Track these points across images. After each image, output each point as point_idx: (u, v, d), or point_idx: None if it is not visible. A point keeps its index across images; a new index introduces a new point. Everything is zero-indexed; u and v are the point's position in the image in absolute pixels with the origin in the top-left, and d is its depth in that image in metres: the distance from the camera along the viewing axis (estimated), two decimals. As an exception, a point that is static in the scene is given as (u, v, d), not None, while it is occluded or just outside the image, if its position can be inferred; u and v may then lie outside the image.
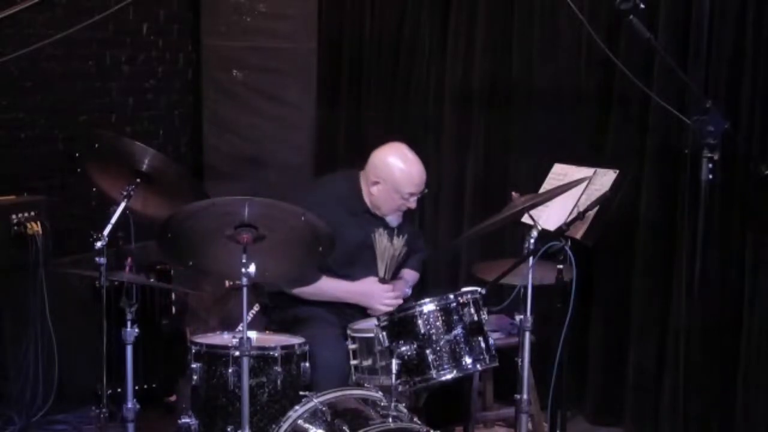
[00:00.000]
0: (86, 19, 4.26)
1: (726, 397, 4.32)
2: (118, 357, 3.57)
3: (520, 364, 3.54)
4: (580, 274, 3.66)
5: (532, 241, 3.54)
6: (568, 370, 3.90)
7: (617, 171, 4.08)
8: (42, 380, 4.55)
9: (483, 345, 3.60)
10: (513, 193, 3.85)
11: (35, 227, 4.48)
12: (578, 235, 4.00)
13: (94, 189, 3.89)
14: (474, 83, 5.15)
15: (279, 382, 3.56)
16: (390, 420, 3.24)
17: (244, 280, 3.22)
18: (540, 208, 3.90)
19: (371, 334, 3.61)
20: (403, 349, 3.50)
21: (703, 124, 3.27)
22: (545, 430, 4.27)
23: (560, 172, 4.27)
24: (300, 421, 3.39)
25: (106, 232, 3.57)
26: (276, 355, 3.58)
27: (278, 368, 3.56)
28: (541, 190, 4.15)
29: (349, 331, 3.75)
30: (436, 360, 3.52)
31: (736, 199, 4.24)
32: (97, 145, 3.83)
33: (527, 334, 3.51)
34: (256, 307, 4.25)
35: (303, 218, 3.30)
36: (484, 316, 3.64)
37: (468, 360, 3.56)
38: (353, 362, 3.70)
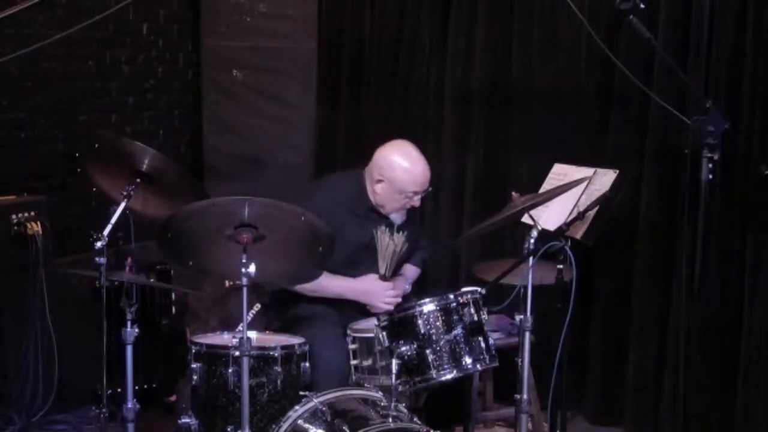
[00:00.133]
0: (86, 19, 4.27)
1: (726, 397, 4.32)
2: (118, 357, 3.57)
3: (520, 364, 3.54)
4: (580, 274, 3.67)
5: (532, 241, 3.55)
6: (568, 370, 3.90)
7: (617, 171, 4.08)
8: (42, 380, 4.55)
9: (483, 345, 3.60)
10: (513, 193, 3.85)
11: (35, 227, 4.48)
12: (578, 235, 4.00)
13: (94, 189, 3.89)
14: (474, 83, 5.15)
15: (279, 382, 3.57)
16: (390, 420, 3.24)
17: (244, 280, 3.22)
18: (540, 208, 3.90)
19: (371, 334, 3.62)
20: (403, 349, 3.50)
21: (703, 124, 3.27)
22: (545, 430, 4.27)
23: (560, 172, 4.27)
24: (300, 421, 3.39)
25: (106, 232, 3.57)
26: (276, 355, 3.58)
27: (278, 368, 3.56)
28: (541, 190, 4.15)
29: (349, 331, 3.75)
30: (436, 360, 3.52)
31: (736, 199, 4.24)
32: (97, 145, 3.83)
33: (527, 334, 3.52)
34: (256, 307, 4.25)
35: (303, 218, 3.30)
36: (484, 316, 3.64)
37: (468, 360, 3.56)
38: (353, 362, 3.70)
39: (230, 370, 3.52)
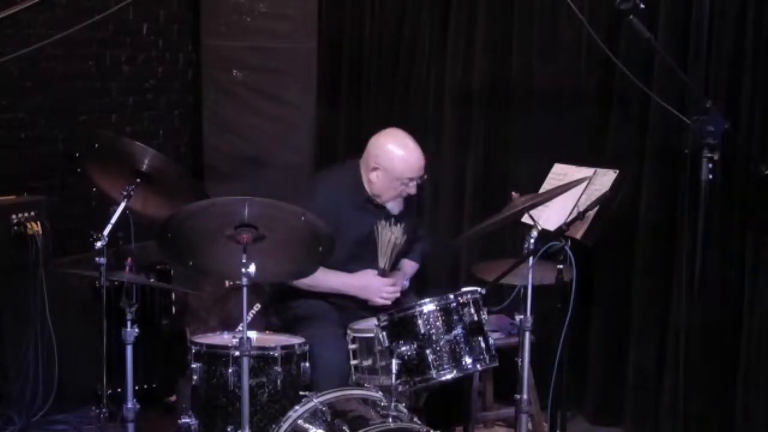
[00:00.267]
0: (86, 19, 4.27)
1: (726, 397, 4.32)
2: (118, 357, 3.57)
3: (520, 364, 3.54)
4: (580, 274, 3.66)
5: (532, 241, 3.55)
6: (568, 370, 3.90)
7: (617, 171, 4.08)
8: (42, 380, 4.55)
9: (483, 345, 3.60)
10: (513, 193, 3.85)
11: (35, 227, 4.48)
12: (578, 235, 4.00)
13: (94, 189, 3.89)
14: (474, 83, 5.15)
15: (279, 382, 3.57)
16: (390, 420, 3.24)
17: (244, 280, 3.22)
18: (540, 208, 3.90)
19: (371, 334, 3.61)
20: (403, 349, 3.50)
21: (703, 124, 3.27)
22: (545, 430, 4.27)
23: (560, 172, 4.27)
24: (300, 421, 3.39)
25: (106, 232, 3.57)
26: (276, 355, 3.58)
27: (278, 368, 3.57)
28: (541, 190, 4.15)
29: (349, 331, 3.75)
30: (436, 360, 3.52)
31: (736, 199, 4.24)
32: (97, 145, 3.83)
33: (527, 334, 3.52)
34: (256, 307, 4.25)
35: (303, 218, 3.31)
36: (484, 316, 3.64)
37: (468, 360, 3.56)
38: (353, 362, 3.70)
39: (230, 370, 3.52)
